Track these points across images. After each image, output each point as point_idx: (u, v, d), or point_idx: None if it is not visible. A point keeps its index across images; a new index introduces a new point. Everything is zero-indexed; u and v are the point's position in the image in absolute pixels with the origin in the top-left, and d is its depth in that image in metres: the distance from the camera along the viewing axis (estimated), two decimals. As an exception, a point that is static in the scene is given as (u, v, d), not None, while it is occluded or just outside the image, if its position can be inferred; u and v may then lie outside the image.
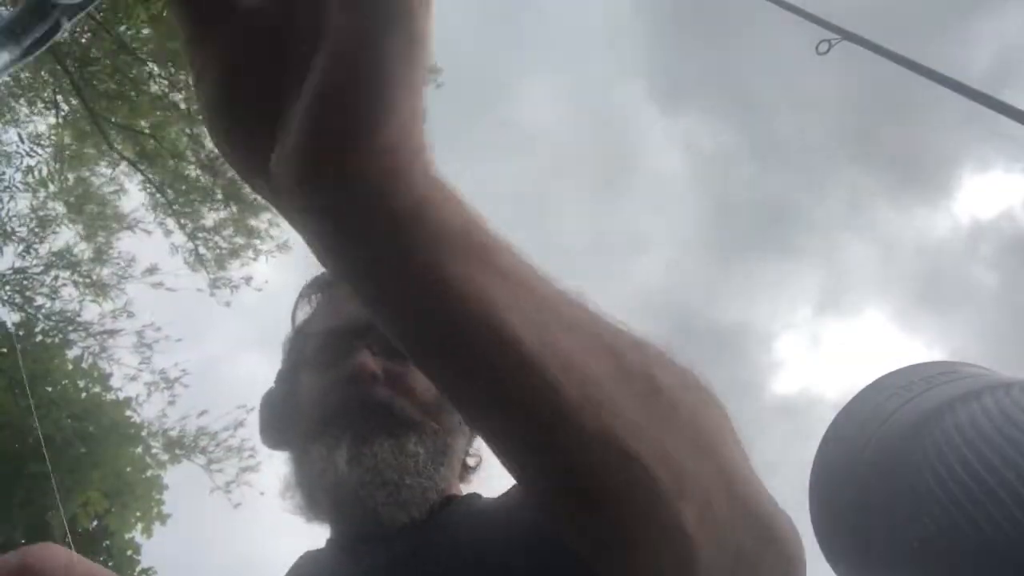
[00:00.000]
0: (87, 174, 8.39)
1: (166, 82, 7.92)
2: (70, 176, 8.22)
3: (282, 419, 0.88)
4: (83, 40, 7.47)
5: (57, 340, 7.86)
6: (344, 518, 0.77)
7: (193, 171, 8.32)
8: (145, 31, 7.47)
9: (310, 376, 0.85)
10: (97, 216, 8.35)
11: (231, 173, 8.34)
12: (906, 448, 0.34)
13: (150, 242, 8.51)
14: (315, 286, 0.95)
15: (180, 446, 7.94)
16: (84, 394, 7.96)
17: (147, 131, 7.90)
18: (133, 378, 7.90)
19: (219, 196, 8.34)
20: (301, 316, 0.95)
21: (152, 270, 8.19)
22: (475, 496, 0.82)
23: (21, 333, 7.72)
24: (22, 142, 7.68)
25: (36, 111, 7.85)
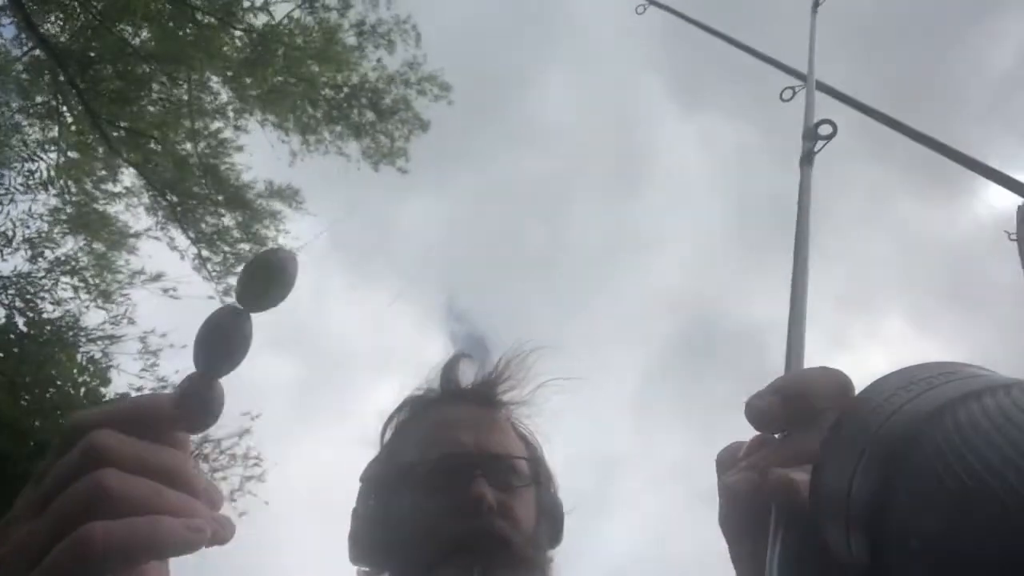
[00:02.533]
0: (89, 177, 8.39)
1: (168, 85, 7.94)
2: (72, 180, 8.22)
3: (383, 540, 0.90)
4: (82, 41, 7.49)
5: (59, 345, 7.86)
6: None
7: (197, 175, 8.33)
8: (146, 31, 7.48)
9: (421, 500, 0.87)
10: (100, 221, 8.36)
11: (234, 179, 8.39)
12: (906, 450, 0.34)
13: (154, 247, 8.51)
14: (408, 407, 1.00)
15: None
16: (87, 399, 7.96)
17: (150, 133, 7.90)
18: (139, 389, 7.89)
19: (222, 200, 8.35)
20: (389, 434, 0.99)
21: (156, 277, 8.17)
22: None
23: (23, 335, 7.73)
24: (24, 145, 7.70)
25: (38, 113, 7.86)
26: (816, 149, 0.60)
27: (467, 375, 1.00)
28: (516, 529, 0.86)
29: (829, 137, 0.60)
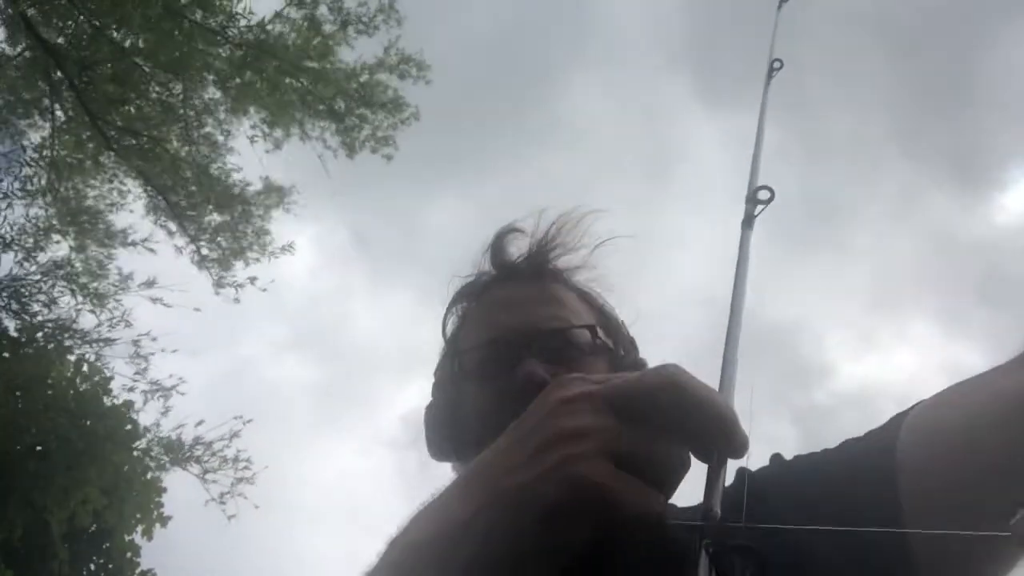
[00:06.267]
0: (86, 179, 8.39)
1: (164, 87, 7.95)
2: (69, 183, 8.22)
3: (449, 432, 0.87)
4: (83, 44, 7.50)
5: (54, 345, 7.84)
6: None
7: (191, 175, 8.33)
8: (144, 36, 7.49)
9: (476, 388, 0.84)
10: (95, 223, 8.35)
11: (227, 179, 8.39)
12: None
13: (145, 253, 8.51)
14: (462, 297, 0.94)
15: (176, 452, 7.91)
16: (81, 399, 7.95)
17: (146, 135, 7.91)
18: (131, 389, 7.88)
19: (215, 201, 8.35)
20: (450, 327, 0.94)
21: (150, 283, 8.13)
22: None
23: (19, 337, 7.72)
24: (22, 150, 7.71)
25: (35, 116, 7.87)
26: (756, 213, 0.64)
27: (517, 249, 0.93)
28: None
29: (767, 202, 0.64)
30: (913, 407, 0.63)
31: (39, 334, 7.74)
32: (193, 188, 8.31)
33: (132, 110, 7.79)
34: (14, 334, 7.68)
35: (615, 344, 0.88)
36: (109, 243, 8.39)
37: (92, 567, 8.57)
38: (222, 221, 8.44)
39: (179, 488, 8.29)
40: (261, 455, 8.12)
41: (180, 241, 8.42)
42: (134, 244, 8.35)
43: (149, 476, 8.22)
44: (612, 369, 0.84)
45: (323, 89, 7.96)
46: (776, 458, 0.73)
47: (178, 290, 8.10)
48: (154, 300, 8.06)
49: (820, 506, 0.62)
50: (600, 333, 0.85)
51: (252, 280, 8.43)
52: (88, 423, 7.59)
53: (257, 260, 8.47)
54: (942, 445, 0.57)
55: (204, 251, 8.42)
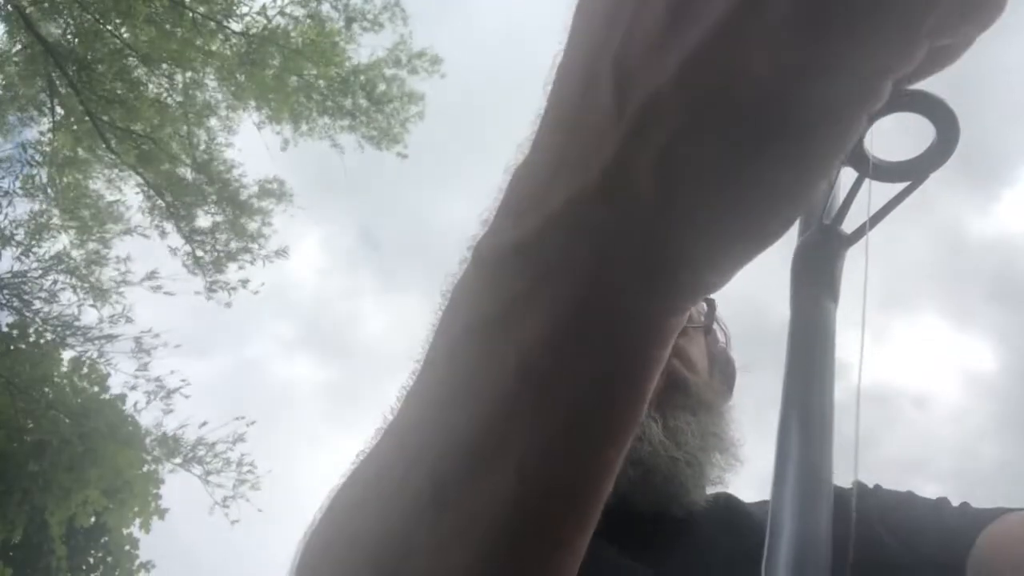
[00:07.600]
0: (84, 177, 8.41)
1: (164, 85, 7.99)
2: (67, 179, 8.24)
3: None
4: (81, 41, 7.53)
5: (54, 343, 7.84)
6: (645, 492, 0.71)
7: (189, 174, 8.33)
8: (143, 34, 7.52)
9: None
10: (93, 219, 8.36)
11: (226, 176, 8.40)
12: None
13: (148, 246, 8.48)
14: None
15: (177, 452, 7.88)
16: (81, 397, 7.95)
17: (144, 134, 7.93)
18: (133, 387, 7.84)
19: (214, 199, 8.35)
20: None
21: (152, 276, 8.09)
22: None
23: (15, 334, 7.75)
24: (22, 146, 7.74)
25: (33, 114, 7.89)
26: None
27: None
28: (692, 371, 0.78)
29: None
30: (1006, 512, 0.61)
31: (31, 329, 7.73)
32: (191, 187, 8.31)
33: (130, 108, 7.80)
34: (5, 329, 7.68)
35: (714, 327, 0.88)
36: (110, 232, 8.37)
37: (91, 560, 8.64)
38: (219, 221, 8.44)
39: (181, 487, 8.28)
40: (268, 456, 8.04)
41: (175, 242, 8.40)
42: (131, 232, 8.32)
43: (146, 469, 8.23)
44: (708, 348, 0.85)
45: (328, 83, 7.97)
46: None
47: (179, 280, 8.11)
48: (155, 289, 8.04)
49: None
50: (710, 312, 0.87)
51: (244, 283, 8.34)
52: (89, 423, 7.60)
53: (251, 263, 8.41)
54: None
55: (199, 253, 8.39)
